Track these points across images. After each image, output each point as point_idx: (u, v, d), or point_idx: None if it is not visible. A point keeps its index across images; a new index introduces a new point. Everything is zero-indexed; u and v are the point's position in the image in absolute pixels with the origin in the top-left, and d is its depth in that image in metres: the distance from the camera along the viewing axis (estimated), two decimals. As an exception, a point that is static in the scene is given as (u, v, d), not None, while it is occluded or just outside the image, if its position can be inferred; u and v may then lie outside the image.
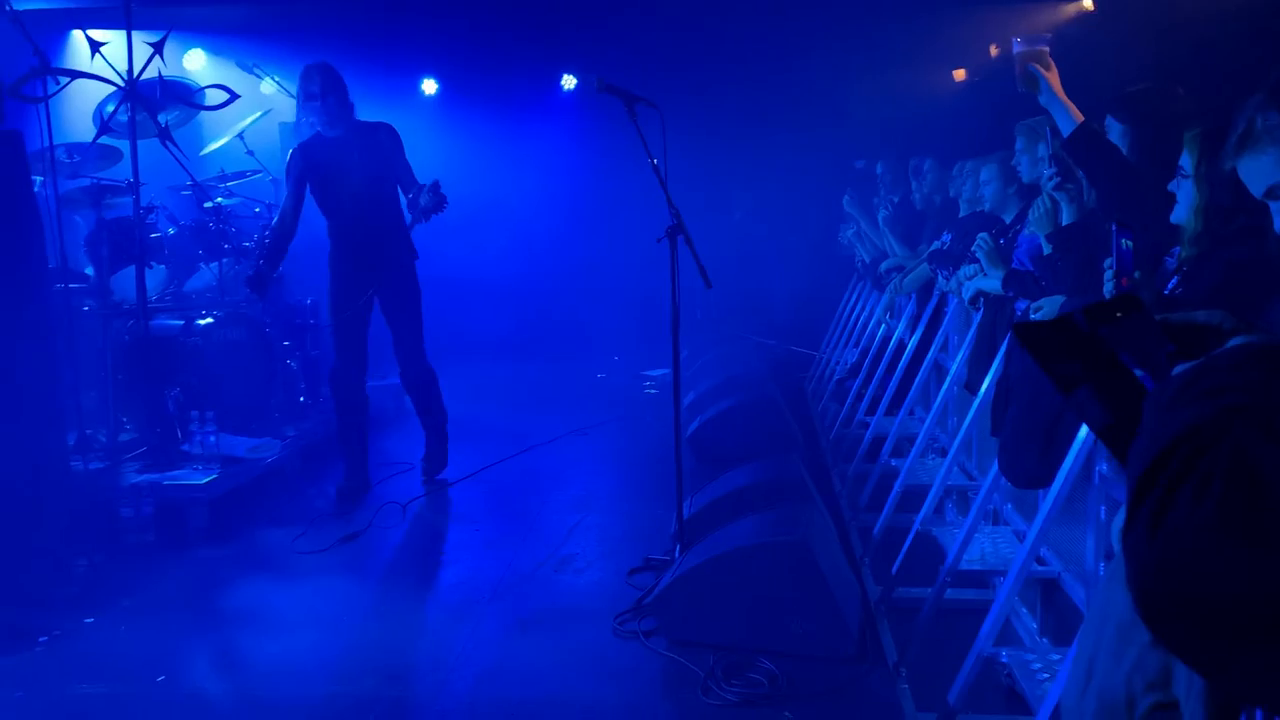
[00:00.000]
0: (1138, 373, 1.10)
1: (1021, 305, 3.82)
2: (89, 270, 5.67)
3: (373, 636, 3.74)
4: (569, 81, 9.80)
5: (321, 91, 4.95)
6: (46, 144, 4.84)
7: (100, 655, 3.52)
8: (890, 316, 6.61)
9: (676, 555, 3.91)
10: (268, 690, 3.25)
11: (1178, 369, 1.05)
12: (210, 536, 4.68)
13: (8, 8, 4.53)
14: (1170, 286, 2.59)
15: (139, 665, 3.41)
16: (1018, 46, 3.17)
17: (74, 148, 5.58)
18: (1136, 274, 2.69)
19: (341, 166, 5.07)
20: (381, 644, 3.66)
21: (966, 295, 4.42)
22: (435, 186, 4.90)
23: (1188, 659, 0.84)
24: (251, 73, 7.65)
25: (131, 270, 5.26)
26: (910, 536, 3.97)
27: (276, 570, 4.36)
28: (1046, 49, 3.15)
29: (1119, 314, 1.12)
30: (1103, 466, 3.18)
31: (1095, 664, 1.03)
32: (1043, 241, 3.54)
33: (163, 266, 5.91)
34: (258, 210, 6.48)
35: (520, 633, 3.68)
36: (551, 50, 9.33)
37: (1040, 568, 3.55)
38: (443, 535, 4.80)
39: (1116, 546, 1.14)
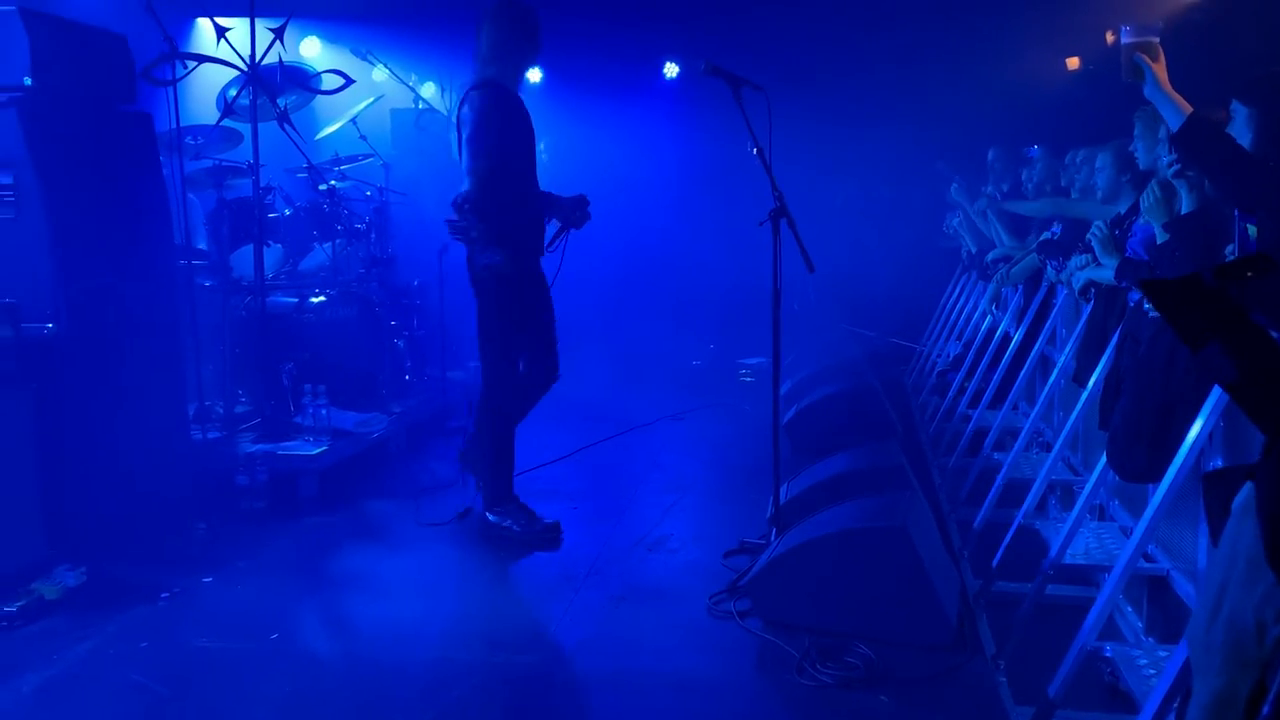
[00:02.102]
0: (1273, 334, 1.08)
1: (1135, 296, 3.73)
2: (201, 245, 5.91)
3: (473, 606, 3.85)
4: (671, 69, 9.83)
5: (478, 22, 4.41)
6: (173, 126, 5.06)
7: (217, 612, 3.69)
8: (995, 308, 6.49)
9: (772, 538, 3.92)
10: (373, 652, 3.37)
11: None
12: (320, 505, 4.86)
13: (142, -5, 4.75)
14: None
15: (253, 623, 3.57)
16: (1126, 36, 3.08)
17: (198, 130, 5.81)
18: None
19: (530, 128, 4.44)
20: (482, 614, 3.76)
21: (1077, 286, 4.32)
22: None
23: None
24: (365, 59, 7.84)
25: (249, 249, 5.47)
26: (1012, 530, 3.91)
27: (382, 539, 4.51)
28: (1156, 40, 3.05)
29: (1250, 274, 1.09)
30: (1217, 461, 3.09)
31: (1225, 595, 1.02)
32: (1157, 230, 3.44)
33: (279, 245, 6.12)
34: (369, 194, 6.66)
35: (616, 608, 3.74)
36: (654, 39, 9.36)
37: (1148, 565, 3.47)
38: (541, 512, 4.86)
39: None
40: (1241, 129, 2.97)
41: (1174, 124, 2.99)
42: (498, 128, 4.25)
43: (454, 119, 4.42)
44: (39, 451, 3.84)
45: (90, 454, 4.05)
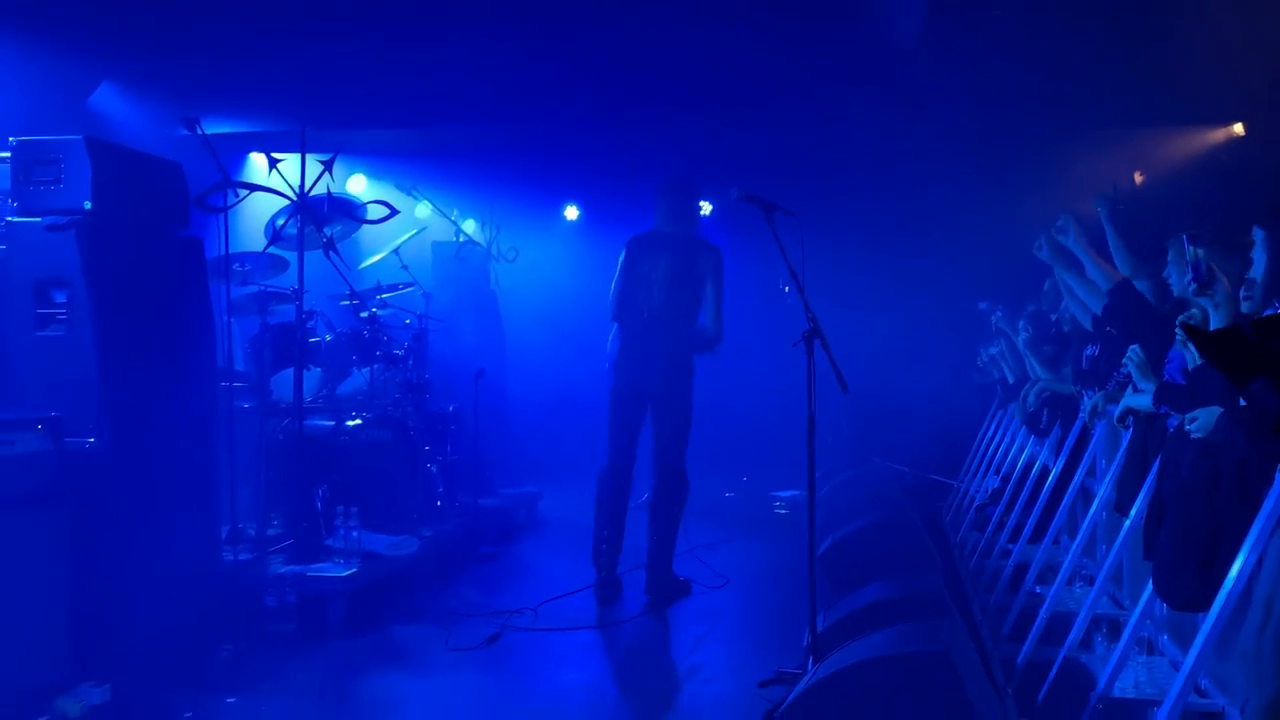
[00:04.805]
0: None
1: (1173, 421, 3.68)
2: (241, 367, 6.00)
3: (500, 734, 3.74)
4: (705, 207, 10.07)
5: (671, 189, 5.56)
6: (222, 252, 5.21)
7: (239, 734, 3.61)
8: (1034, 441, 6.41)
9: (809, 668, 3.80)
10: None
11: None
12: (347, 628, 4.79)
13: (199, 130, 4.97)
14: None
15: (275, 746, 3.49)
16: None
17: (246, 256, 5.99)
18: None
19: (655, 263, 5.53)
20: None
21: (1115, 413, 4.28)
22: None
23: None
24: (409, 194, 8.12)
25: (289, 372, 5.55)
26: (1056, 665, 3.78)
27: (410, 663, 4.44)
28: None
29: None
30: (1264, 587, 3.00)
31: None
32: (1192, 353, 3.42)
33: (319, 369, 6.22)
34: (408, 321, 6.79)
35: (647, 738, 3.62)
36: (689, 177, 9.60)
37: (1202, 699, 3.33)
38: (572, 639, 4.78)
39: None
40: (1260, 251, 3.05)
41: None
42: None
43: (680, 255, 5.53)
44: (71, 567, 3.85)
45: (121, 572, 4.04)
